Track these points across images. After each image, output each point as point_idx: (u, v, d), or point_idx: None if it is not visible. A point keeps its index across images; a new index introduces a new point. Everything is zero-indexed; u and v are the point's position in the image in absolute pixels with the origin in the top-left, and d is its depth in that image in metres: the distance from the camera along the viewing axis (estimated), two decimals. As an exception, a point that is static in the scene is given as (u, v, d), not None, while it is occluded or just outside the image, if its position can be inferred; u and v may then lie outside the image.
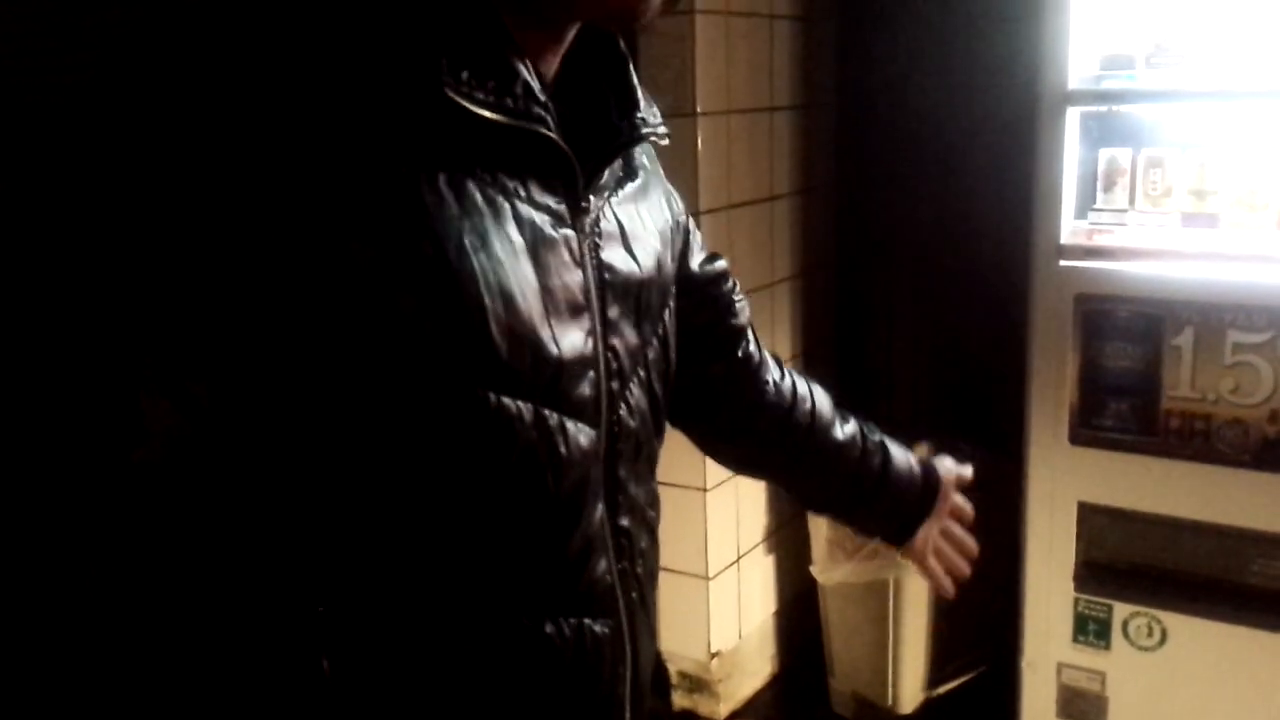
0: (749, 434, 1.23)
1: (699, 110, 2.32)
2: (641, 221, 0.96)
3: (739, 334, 1.20)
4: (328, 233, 0.74)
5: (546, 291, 0.83)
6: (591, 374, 0.87)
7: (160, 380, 0.77)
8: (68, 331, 0.79)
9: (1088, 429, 2.11)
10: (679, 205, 1.10)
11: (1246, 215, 2.01)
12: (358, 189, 0.74)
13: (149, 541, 0.79)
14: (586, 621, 0.90)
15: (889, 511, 1.29)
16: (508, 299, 0.79)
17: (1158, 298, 2.01)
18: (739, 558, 2.67)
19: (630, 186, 0.96)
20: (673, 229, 1.04)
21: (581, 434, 0.86)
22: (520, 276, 0.80)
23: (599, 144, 0.90)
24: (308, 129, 0.74)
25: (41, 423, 0.81)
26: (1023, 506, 2.20)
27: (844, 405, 1.29)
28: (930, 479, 1.30)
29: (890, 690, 2.56)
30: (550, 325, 0.83)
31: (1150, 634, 2.12)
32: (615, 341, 0.90)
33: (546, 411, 0.83)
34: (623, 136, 0.92)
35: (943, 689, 2.60)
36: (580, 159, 0.86)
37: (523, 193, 0.82)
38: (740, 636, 2.72)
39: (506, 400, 0.81)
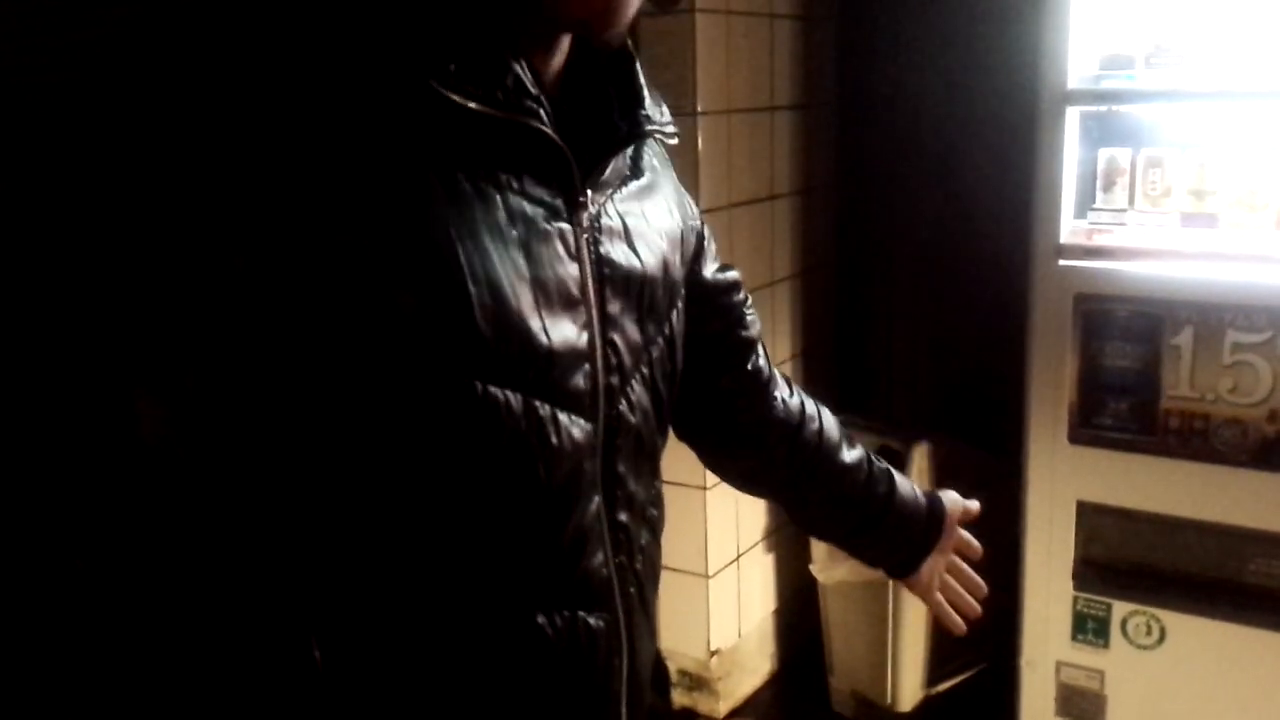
0: (755, 450, 1.21)
1: (699, 110, 2.33)
2: (646, 220, 0.96)
3: (749, 347, 1.18)
4: (317, 225, 0.75)
5: (538, 283, 0.83)
6: (587, 367, 0.88)
7: (154, 376, 0.77)
8: (63, 331, 0.79)
9: (1087, 428, 2.11)
10: (693, 210, 1.11)
11: (1246, 215, 2.01)
12: (347, 182, 0.75)
13: (143, 533, 0.80)
14: (581, 614, 0.91)
15: (892, 540, 1.27)
16: (494, 288, 0.80)
17: (1157, 297, 2.02)
18: (739, 556, 2.68)
19: (635, 185, 0.96)
20: (684, 231, 1.04)
21: (575, 426, 0.87)
22: (509, 267, 0.81)
23: (602, 141, 0.91)
24: (299, 124, 0.75)
25: (36, 421, 0.81)
26: (1022, 505, 2.20)
27: (844, 406, 1.29)
28: (935, 510, 1.28)
29: (889, 688, 2.56)
30: (541, 316, 0.83)
31: (1149, 633, 2.12)
32: (615, 336, 0.91)
33: (537, 402, 0.84)
34: (621, 133, 0.92)
35: (942, 687, 2.61)
36: (582, 155, 0.86)
37: (515, 185, 0.83)
38: (740, 635, 2.72)
39: (494, 389, 0.81)
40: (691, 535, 2.54)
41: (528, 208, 0.83)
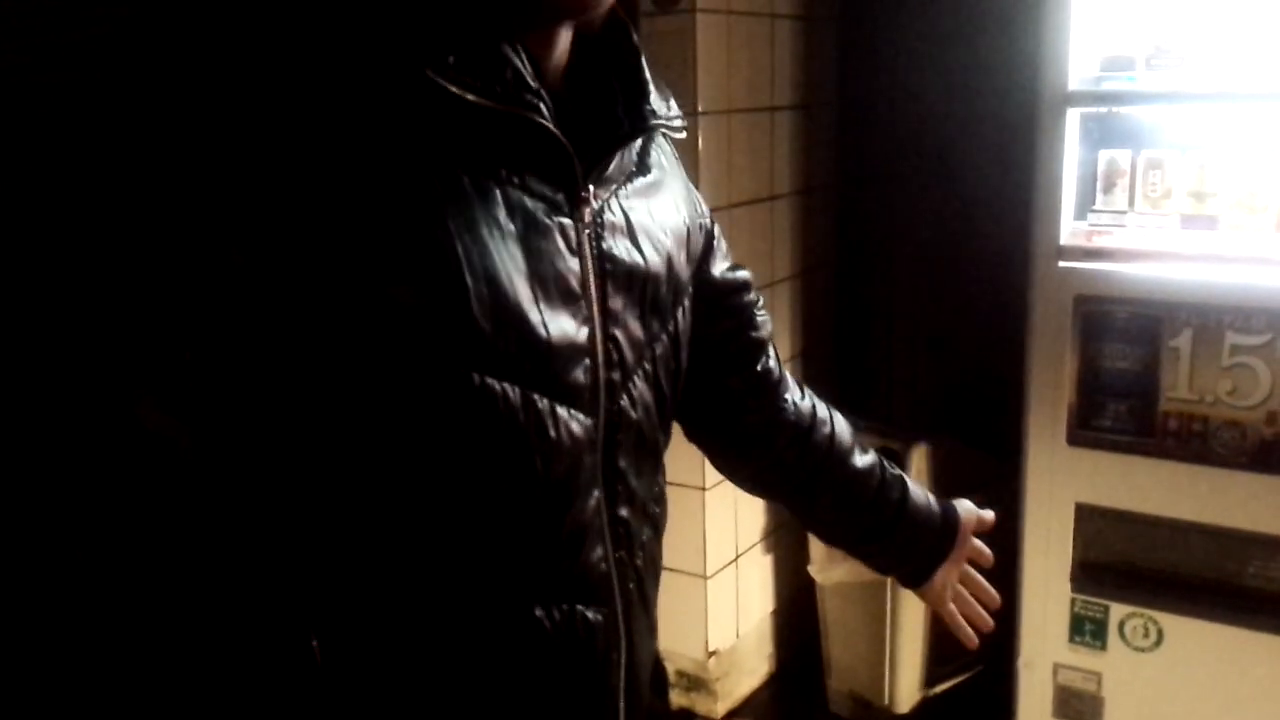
0: (763, 452, 1.20)
1: (700, 110, 2.33)
2: (651, 217, 0.96)
3: (759, 347, 1.18)
4: (314, 219, 0.75)
5: (536, 277, 0.83)
6: (587, 361, 0.88)
7: (154, 369, 0.77)
8: (64, 328, 0.79)
9: (1086, 430, 2.11)
10: (703, 208, 1.10)
11: (1245, 217, 2.01)
12: (344, 176, 0.75)
13: (144, 526, 0.80)
14: (579, 607, 0.91)
15: (904, 548, 1.26)
16: (492, 281, 0.80)
17: (1156, 299, 2.02)
18: (737, 557, 2.68)
19: (641, 181, 0.96)
20: (691, 230, 1.04)
21: (574, 421, 0.87)
22: (507, 260, 0.81)
23: (607, 136, 0.91)
24: (296, 119, 0.75)
25: (38, 417, 0.81)
26: (1020, 507, 2.20)
27: (843, 406, 1.29)
28: (949, 519, 1.27)
29: (887, 689, 2.57)
30: (540, 309, 0.83)
31: (1146, 635, 2.12)
32: (617, 332, 0.91)
33: (535, 395, 0.84)
34: (624, 128, 0.92)
35: (939, 688, 2.61)
36: (586, 150, 0.86)
37: (516, 180, 0.83)
38: (738, 635, 2.72)
39: (491, 381, 0.81)
40: (690, 536, 2.54)
41: (528, 202, 0.83)
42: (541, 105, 0.82)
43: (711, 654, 2.64)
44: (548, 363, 0.84)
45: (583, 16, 0.87)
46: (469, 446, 0.82)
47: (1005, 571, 2.22)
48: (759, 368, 1.17)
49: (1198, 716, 2.11)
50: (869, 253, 2.90)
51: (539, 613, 0.88)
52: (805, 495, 1.25)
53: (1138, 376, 2.06)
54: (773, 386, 1.19)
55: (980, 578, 1.29)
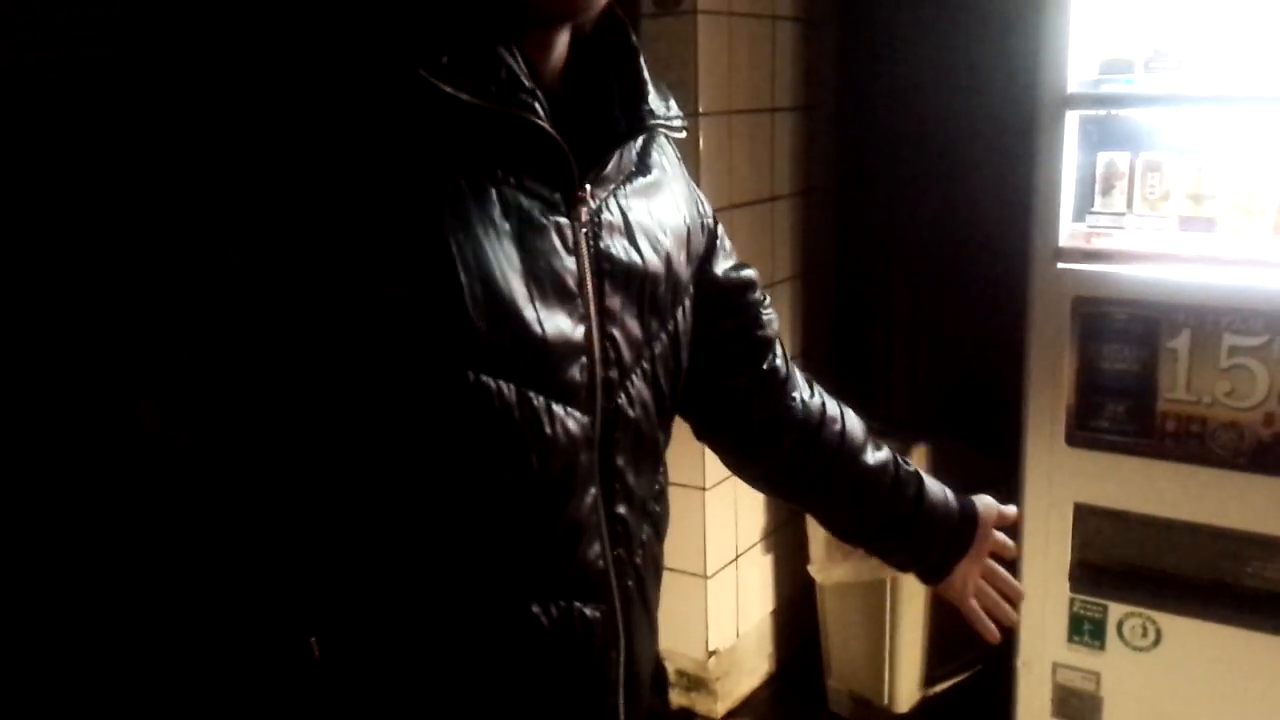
0: (772, 450, 1.19)
1: (700, 111, 2.34)
2: (651, 216, 0.96)
3: (765, 346, 1.17)
4: (308, 218, 0.76)
5: (532, 275, 0.84)
6: (583, 359, 0.88)
7: (153, 367, 0.78)
8: (63, 328, 0.80)
9: (1084, 430, 2.12)
10: (706, 208, 1.10)
11: (1243, 219, 2.02)
12: (338, 175, 0.76)
13: (143, 524, 0.81)
14: (576, 604, 0.91)
15: (921, 544, 1.24)
16: (487, 279, 0.80)
17: (1155, 301, 2.02)
18: (737, 556, 2.68)
19: (641, 181, 0.96)
20: (693, 230, 1.04)
21: (570, 418, 0.87)
22: (502, 259, 0.81)
23: (605, 136, 0.91)
24: (291, 118, 0.76)
25: (38, 417, 0.82)
26: (1019, 507, 2.20)
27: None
28: (968, 514, 1.25)
29: (887, 689, 2.57)
30: (535, 308, 0.84)
31: (1145, 634, 2.13)
32: (614, 331, 0.91)
33: (531, 393, 0.84)
34: (620, 127, 0.92)
35: (939, 688, 2.61)
36: (584, 149, 0.87)
37: (512, 179, 0.83)
38: (738, 635, 2.73)
39: (486, 378, 0.82)
40: (690, 536, 2.54)
41: (524, 201, 0.84)
42: (537, 105, 0.83)
43: (711, 654, 2.65)
44: (543, 360, 0.85)
45: (572, 21, 0.88)
46: (464, 443, 0.83)
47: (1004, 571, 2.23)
48: (765, 366, 1.17)
49: (1196, 715, 2.12)
50: (869, 254, 2.91)
51: (536, 609, 0.89)
52: (817, 493, 1.24)
53: (1136, 377, 2.06)
54: (780, 385, 1.18)
55: (1003, 571, 1.28)
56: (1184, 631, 2.09)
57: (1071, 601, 2.18)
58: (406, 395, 0.80)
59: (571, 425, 0.88)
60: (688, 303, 1.03)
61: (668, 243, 0.98)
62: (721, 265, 1.12)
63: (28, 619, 0.84)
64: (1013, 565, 2.19)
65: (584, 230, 0.88)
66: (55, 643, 0.84)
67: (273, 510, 0.83)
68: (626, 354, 0.93)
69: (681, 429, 1.14)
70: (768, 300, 1.18)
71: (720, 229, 1.13)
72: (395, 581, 0.85)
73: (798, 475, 1.22)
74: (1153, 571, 2.12)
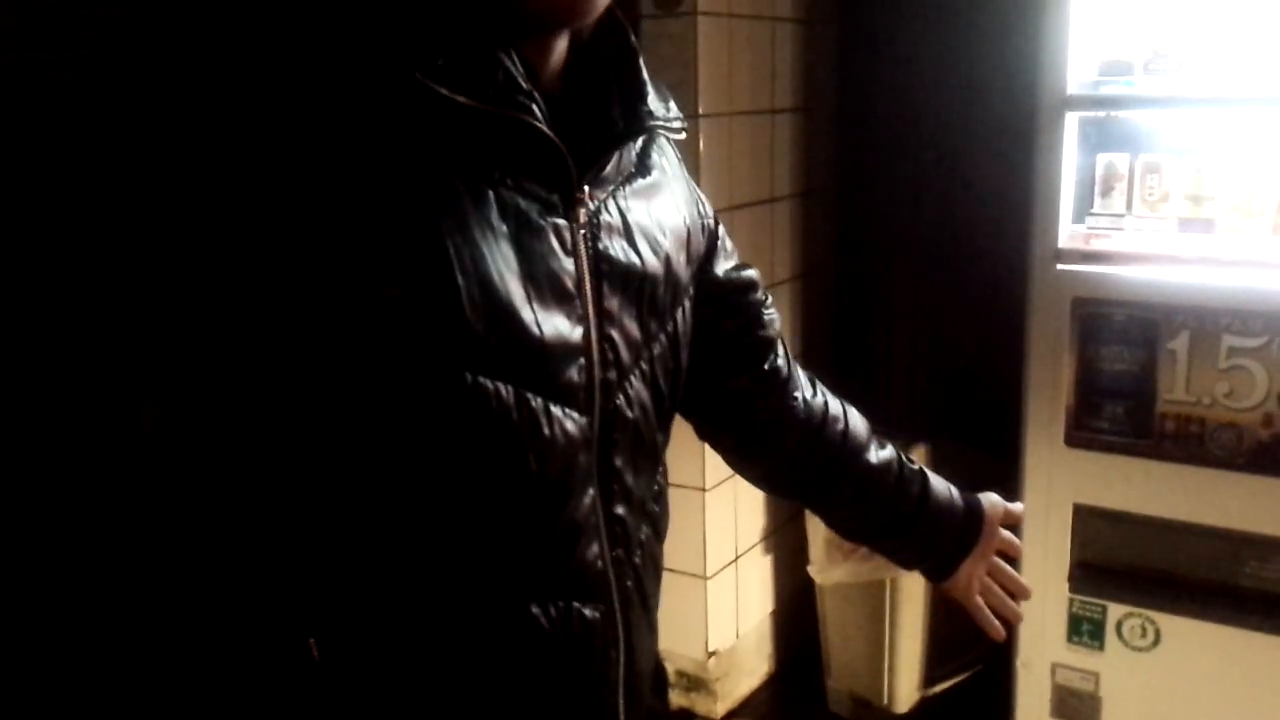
0: (774, 450, 1.20)
1: (701, 112, 2.34)
2: (650, 217, 0.96)
3: (767, 346, 1.17)
4: (304, 219, 0.76)
5: (529, 277, 0.84)
6: (581, 361, 0.88)
7: (151, 368, 0.78)
8: (62, 329, 0.80)
9: (1083, 431, 2.12)
10: (706, 209, 1.10)
11: (1242, 220, 2.02)
12: (335, 177, 0.76)
13: (142, 526, 0.81)
14: (575, 605, 0.91)
15: (926, 542, 1.24)
16: (484, 281, 0.80)
17: (1154, 302, 2.02)
18: (737, 557, 2.69)
19: (641, 183, 0.96)
20: (693, 231, 1.04)
21: (568, 419, 0.87)
22: (499, 260, 0.82)
23: (604, 137, 0.91)
24: (288, 120, 0.76)
25: (37, 419, 0.82)
26: (1019, 508, 2.21)
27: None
28: (973, 512, 1.25)
29: (886, 689, 2.57)
30: (533, 309, 0.84)
31: (1144, 635, 2.13)
32: (613, 332, 0.91)
33: (529, 394, 0.84)
34: (618, 128, 0.92)
35: (938, 688, 2.62)
36: (582, 151, 0.87)
37: (510, 181, 0.83)
38: (738, 636, 2.73)
39: (484, 380, 0.82)
40: (690, 536, 2.55)
41: (521, 202, 0.84)
42: (534, 107, 0.83)
43: (711, 654, 2.65)
44: (541, 362, 0.85)
45: (571, 26, 0.87)
46: (462, 444, 0.83)
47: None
48: (767, 366, 1.17)
49: (1195, 716, 2.12)
50: (869, 255, 2.91)
51: (535, 610, 0.89)
52: (819, 492, 1.24)
53: (1135, 378, 2.07)
54: (782, 385, 1.18)
55: (1009, 569, 1.28)
56: (1183, 632, 2.09)
57: (1071, 602, 2.18)
58: (404, 397, 0.80)
59: (570, 426, 0.88)
60: (687, 304, 1.03)
61: (667, 244, 0.98)
62: (723, 266, 1.12)
63: (26, 620, 0.85)
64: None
65: (582, 231, 0.88)
66: (54, 643, 0.84)
67: (271, 511, 0.83)
68: (625, 355, 0.93)
69: (682, 429, 1.14)
70: (769, 300, 1.18)
71: (721, 230, 1.13)
72: (394, 582, 0.85)
73: (800, 474, 1.22)
74: (1152, 572, 2.12)
